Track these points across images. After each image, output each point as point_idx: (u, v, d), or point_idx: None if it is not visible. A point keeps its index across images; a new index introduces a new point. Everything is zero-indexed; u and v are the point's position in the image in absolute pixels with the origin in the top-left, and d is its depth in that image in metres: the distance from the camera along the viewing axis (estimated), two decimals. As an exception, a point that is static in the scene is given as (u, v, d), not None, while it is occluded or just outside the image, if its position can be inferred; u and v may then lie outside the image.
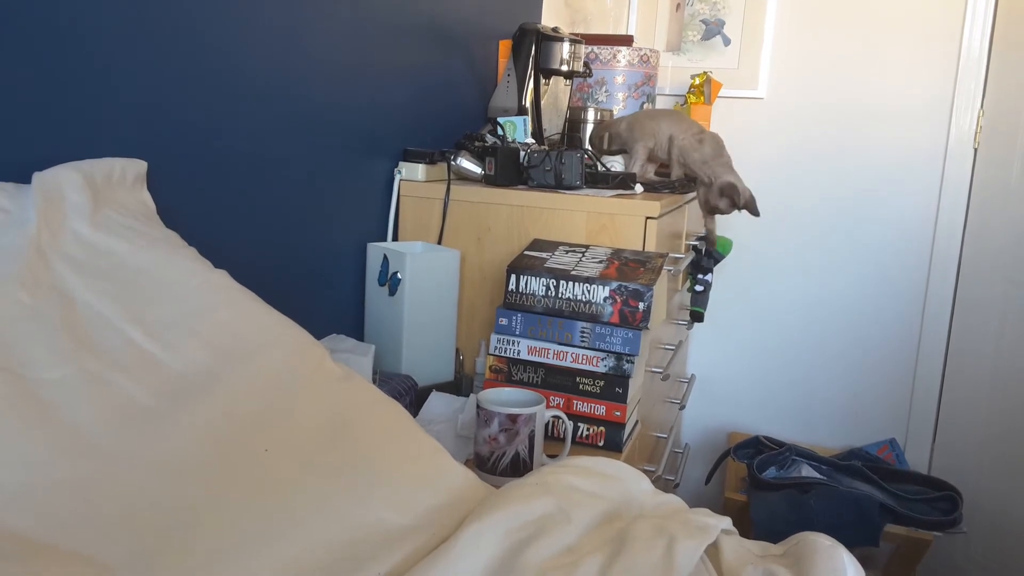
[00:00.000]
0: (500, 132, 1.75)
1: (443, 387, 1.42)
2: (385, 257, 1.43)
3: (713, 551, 0.79)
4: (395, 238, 1.60)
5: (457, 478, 0.81)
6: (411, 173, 1.59)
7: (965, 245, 2.14)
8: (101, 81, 0.92)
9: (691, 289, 1.85)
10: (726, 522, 0.85)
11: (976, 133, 2.10)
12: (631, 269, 1.42)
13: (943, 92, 2.12)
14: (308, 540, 0.65)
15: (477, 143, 1.68)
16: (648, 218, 1.47)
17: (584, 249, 1.47)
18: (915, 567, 1.82)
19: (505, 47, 2.01)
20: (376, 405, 0.85)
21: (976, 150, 2.11)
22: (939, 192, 2.15)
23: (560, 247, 1.46)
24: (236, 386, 0.75)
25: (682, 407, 2.01)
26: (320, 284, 1.41)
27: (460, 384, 1.49)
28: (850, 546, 1.75)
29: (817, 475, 1.88)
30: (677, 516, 0.81)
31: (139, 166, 0.94)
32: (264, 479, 0.69)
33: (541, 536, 0.68)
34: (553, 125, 1.98)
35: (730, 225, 2.33)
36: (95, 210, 0.83)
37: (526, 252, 1.44)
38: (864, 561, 1.86)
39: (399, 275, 1.40)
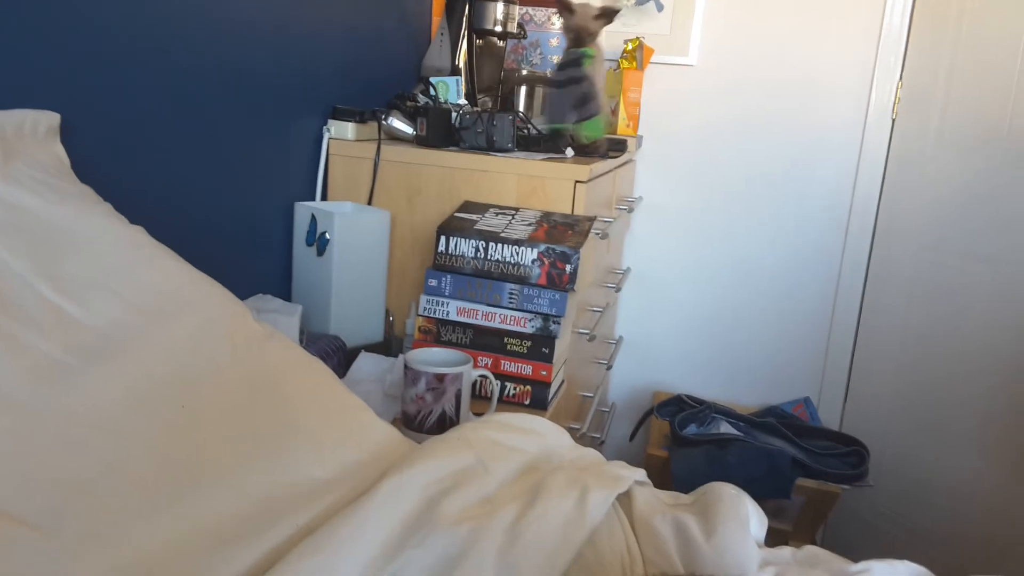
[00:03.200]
0: (432, 92, 1.74)
1: (372, 348, 1.43)
2: (313, 217, 1.42)
3: (627, 501, 0.83)
4: (324, 198, 1.58)
5: (380, 434, 0.82)
6: (341, 132, 1.57)
7: (880, 211, 2.23)
8: (13, 32, 0.88)
9: None
10: (640, 473, 0.89)
11: (895, 104, 2.18)
12: (559, 232, 1.44)
13: (865, 63, 2.19)
14: (226, 495, 0.66)
15: (409, 103, 1.66)
16: (578, 182, 1.49)
17: (514, 212, 1.48)
18: (825, 518, 1.93)
19: (439, 5, 1.99)
20: (298, 363, 0.86)
21: (894, 120, 2.20)
22: (857, 161, 2.23)
23: (490, 209, 1.48)
24: (154, 344, 0.74)
25: (609, 367, 2.07)
26: (246, 244, 1.39)
27: (390, 345, 1.50)
28: (763, 498, 1.84)
29: (735, 431, 1.96)
30: (592, 468, 0.84)
31: (52, 118, 0.91)
32: (182, 435, 0.69)
33: (459, 488, 0.70)
34: (487, 86, 1.97)
35: (662, 190, 2.37)
36: (4, 163, 0.80)
37: (456, 214, 1.44)
38: (777, 513, 1.96)
39: (327, 235, 1.40)
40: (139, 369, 0.71)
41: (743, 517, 0.80)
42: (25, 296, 0.71)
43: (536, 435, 0.89)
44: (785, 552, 0.81)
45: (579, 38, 1.63)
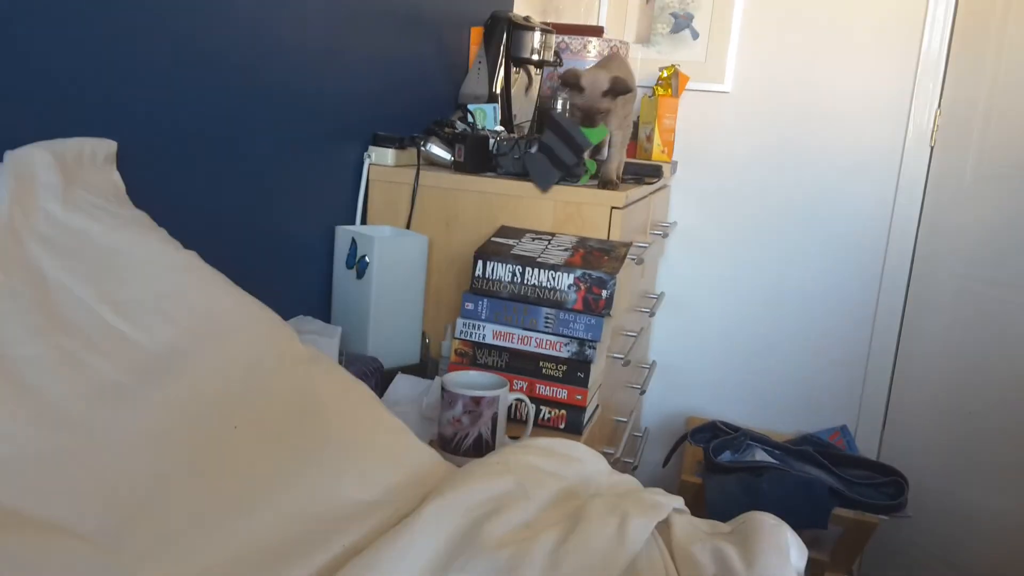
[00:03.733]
0: (470, 119, 1.77)
1: (409, 370, 1.45)
2: (353, 240, 1.45)
3: (664, 528, 0.83)
4: (364, 222, 1.61)
5: (421, 457, 0.84)
6: (381, 157, 1.60)
7: (919, 240, 2.21)
8: (70, 62, 0.92)
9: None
10: (678, 501, 0.89)
11: (933, 132, 2.17)
12: (595, 257, 1.45)
13: (902, 91, 2.18)
14: (274, 514, 0.68)
15: (447, 129, 1.69)
16: (614, 208, 1.51)
17: (550, 237, 1.50)
18: (862, 549, 1.89)
19: (477, 34, 2.03)
20: (342, 385, 0.88)
21: (932, 148, 2.18)
22: (895, 187, 2.22)
23: (527, 234, 1.49)
24: (205, 365, 0.77)
25: (642, 392, 2.06)
26: (288, 266, 1.42)
27: (426, 367, 1.52)
28: (799, 528, 1.82)
29: (770, 459, 1.94)
30: (631, 495, 0.85)
31: (109, 146, 0.95)
32: (233, 455, 0.71)
33: (500, 512, 0.71)
34: (523, 114, 2.00)
35: (697, 215, 2.38)
36: (66, 189, 0.83)
37: (493, 239, 1.46)
38: (813, 543, 1.93)
39: (367, 258, 1.42)
40: (192, 390, 0.74)
41: (783, 547, 0.80)
42: (85, 318, 0.74)
43: (575, 461, 0.90)
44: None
45: (589, 117, 1.55)
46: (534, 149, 1.59)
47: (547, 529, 0.71)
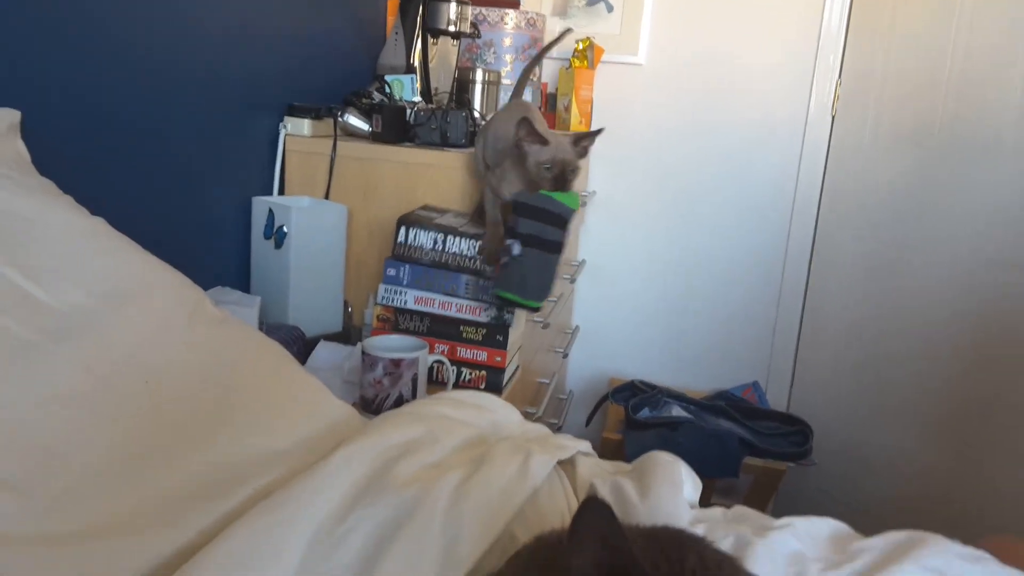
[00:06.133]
0: (387, 90, 1.78)
1: (332, 338, 1.47)
2: (271, 211, 1.46)
3: (571, 469, 0.89)
4: (282, 192, 1.62)
5: (335, 411, 0.87)
6: (297, 128, 1.60)
7: (823, 205, 2.33)
8: (-33, 27, 0.91)
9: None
10: (584, 445, 0.95)
11: (834, 102, 2.28)
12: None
13: (805, 63, 2.28)
14: (185, 464, 0.70)
15: (364, 100, 1.70)
16: (528, 175, 1.54)
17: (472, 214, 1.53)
18: (771, 496, 2.02)
19: (393, 5, 2.03)
20: (255, 344, 0.90)
21: (834, 117, 2.30)
22: (800, 155, 2.33)
23: (450, 212, 1.52)
24: (116, 325, 0.78)
25: (565, 355, 2.13)
26: (205, 238, 1.42)
27: (348, 335, 1.54)
28: (713, 476, 1.94)
29: (686, 414, 2.04)
30: (539, 439, 0.90)
31: (12, 115, 0.94)
32: (144, 409, 0.73)
33: (408, 456, 0.75)
34: (442, 85, 2.02)
35: (615, 185, 2.45)
36: (-33, 158, 0.83)
37: (417, 211, 1.49)
38: (728, 491, 2.04)
39: (285, 229, 1.43)
40: (103, 348, 0.75)
41: (677, 481, 0.86)
42: (-5, 282, 0.74)
43: (486, 411, 0.94)
44: (716, 512, 0.87)
45: (561, 176, 1.28)
46: (516, 251, 1.26)
47: (454, 469, 0.75)
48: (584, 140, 1.35)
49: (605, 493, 0.80)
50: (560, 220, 1.30)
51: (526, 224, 1.30)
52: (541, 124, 1.41)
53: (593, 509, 0.49)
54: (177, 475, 0.68)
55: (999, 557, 0.84)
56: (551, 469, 0.80)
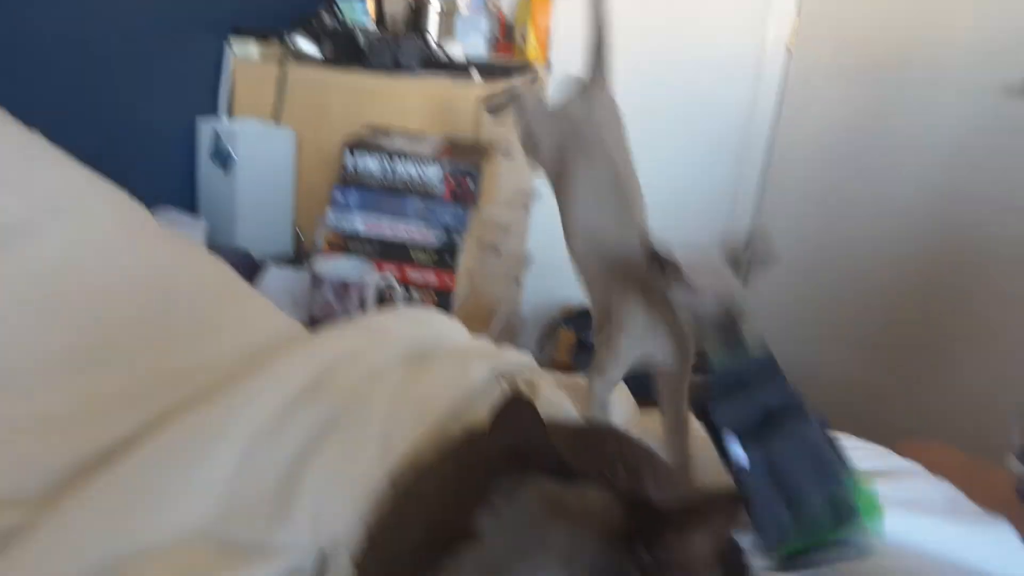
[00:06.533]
0: (339, 14, 1.74)
1: (282, 262, 1.47)
2: (216, 133, 1.43)
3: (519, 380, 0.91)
4: (230, 115, 1.59)
5: (279, 323, 0.88)
6: (244, 50, 1.56)
7: (778, 135, 2.37)
8: None
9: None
10: (527, 359, 0.97)
11: (791, 36, 2.29)
12: (464, 150, 1.50)
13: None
14: (129, 366, 0.71)
15: (313, 23, 1.66)
16: (481, 100, 1.54)
17: (422, 138, 1.52)
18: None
19: (344, -76, 1.97)
20: (200, 259, 0.90)
21: (790, 50, 2.31)
22: (755, 89, 2.34)
23: (397, 134, 1.51)
24: (59, 236, 0.77)
25: (518, 283, 2.15)
26: (148, 158, 1.39)
27: (300, 259, 1.54)
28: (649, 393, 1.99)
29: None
30: (480, 351, 0.92)
31: None
32: (87, 317, 0.74)
33: (350, 363, 0.77)
34: (396, 10, 1.98)
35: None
36: None
37: (363, 134, 1.48)
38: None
39: (232, 152, 1.41)
40: (46, 258, 0.75)
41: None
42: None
43: (430, 325, 0.96)
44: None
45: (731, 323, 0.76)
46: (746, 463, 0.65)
47: (393, 373, 0.77)
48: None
49: (549, 395, 0.83)
50: (769, 369, 0.75)
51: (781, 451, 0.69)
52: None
53: (514, 402, 0.51)
54: (117, 378, 0.69)
55: (919, 460, 0.89)
56: (490, 376, 0.82)
